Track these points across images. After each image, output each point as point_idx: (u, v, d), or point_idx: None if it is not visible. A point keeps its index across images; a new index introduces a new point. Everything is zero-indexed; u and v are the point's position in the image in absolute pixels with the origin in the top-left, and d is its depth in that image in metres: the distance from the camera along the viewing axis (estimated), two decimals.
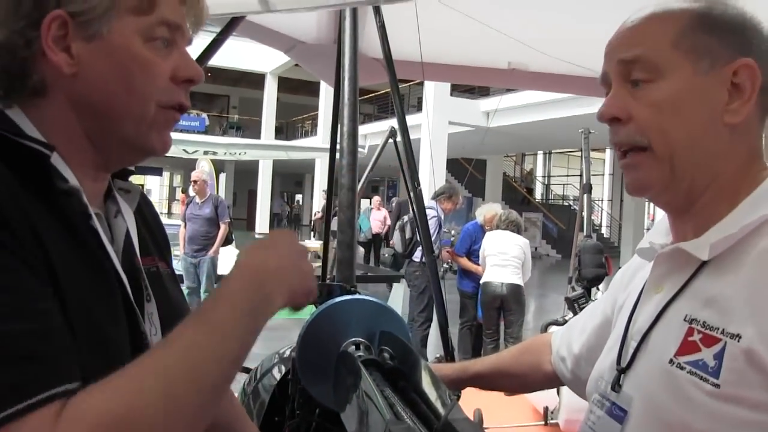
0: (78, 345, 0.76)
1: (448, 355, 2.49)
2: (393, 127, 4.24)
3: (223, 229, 8.52)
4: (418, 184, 2.53)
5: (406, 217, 8.05)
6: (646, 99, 0.97)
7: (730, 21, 0.97)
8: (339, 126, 1.95)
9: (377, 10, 2.38)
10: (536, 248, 25.72)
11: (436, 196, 7.55)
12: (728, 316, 0.88)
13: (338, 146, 1.94)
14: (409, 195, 2.75)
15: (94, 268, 0.86)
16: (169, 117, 0.96)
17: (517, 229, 6.97)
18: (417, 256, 7.26)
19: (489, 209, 7.66)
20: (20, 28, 0.86)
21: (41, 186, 0.82)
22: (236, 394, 1.93)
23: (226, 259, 11.12)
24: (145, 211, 1.14)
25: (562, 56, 2.96)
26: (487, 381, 1.57)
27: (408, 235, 7.66)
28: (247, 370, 2.22)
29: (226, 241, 8.89)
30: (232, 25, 2.33)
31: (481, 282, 6.91)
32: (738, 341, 0.86)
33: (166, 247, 1.19)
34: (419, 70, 2.70)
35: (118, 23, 0.89)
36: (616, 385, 1.03)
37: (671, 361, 0.93)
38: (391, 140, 4.43)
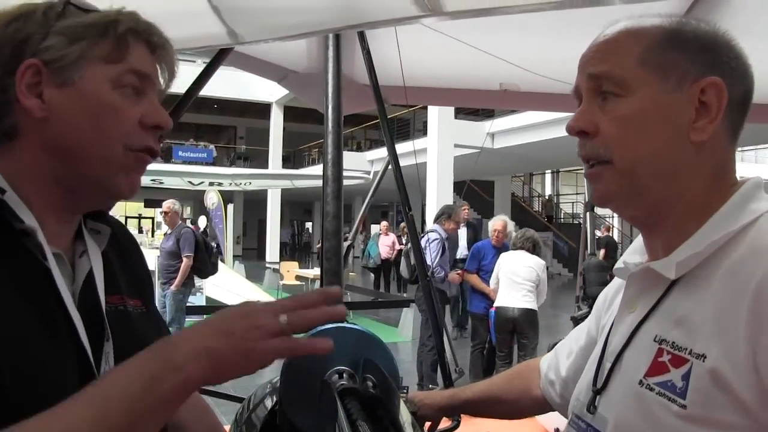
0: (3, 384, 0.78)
1: (446, 380, 2.46)
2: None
3: (184, 263, 8.10)
4: (410, 209, 2.52)
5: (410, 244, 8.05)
6: (613, 114, 0.97)
7: (701, 39, 0.97)
8: (323, 154, 1.95)
9: (362, 37, 2.39)
10: (548, 267, 25.58)
11: (437, 219, 7.53)
12: (695, 335, 0.87)
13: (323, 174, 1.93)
14: (406, 221, 2.74)
15: (40, 308, 0.88)
16: (138, 159, 1.00)
17: (533, 247, 6.79)
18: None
19: (496, 220, 7.57)
20: None
21: None
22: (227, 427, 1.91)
23: (213, 288, 11.15)
24: (124, 249, 1.16)
25: (553, 75, 2.95)
26: (478, 407, 1.55)
27: (413, 260, 7.63)
28: (240, 400, 2.20)
29: (208, 272, 8.63)
30: (220, 56, 2.34)
31: (495, 305, 6.80)
32: (703, 361, 0.85)
33: (144, 284, 1.20)
34: (412, 95, 2.71)
35: (88, 71, 0.95)
36: (592, 407, 1.02)
37: (641, 382, 0.92)
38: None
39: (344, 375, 1.40)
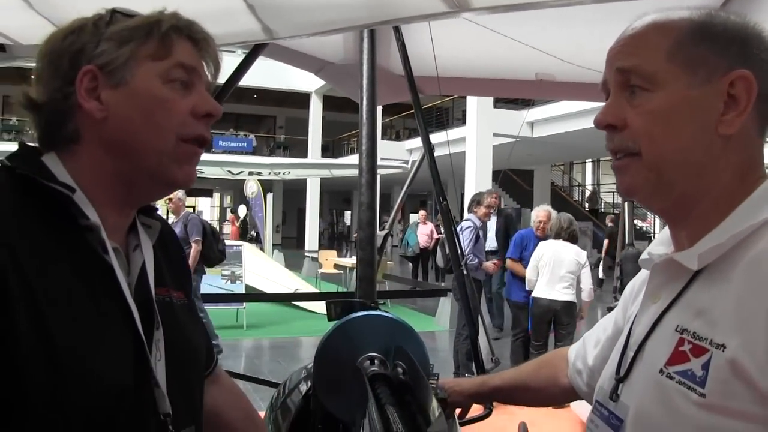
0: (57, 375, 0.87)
1: (479, 369, 2.48)
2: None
3: (194, 249, 8.01)
4: (444, 199, 2.54)
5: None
6: (641, 108, 0.98)
7: (730, 31, 0.97)
8: (358, 145, 1.98)
9: (397, 29, 2.42)
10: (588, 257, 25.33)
11: (469, 207, 7.52)
12: (716, 326, 0.89)
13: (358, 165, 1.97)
14: (440, 210, 2.76)
15: (101, 299, 0.96)
16: (189, 151, 1.07)
17: (573, 236, 6.66)
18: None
19: (539, 210, 7.43)
20: (59, 86, 1.01)
21: (66, 222, 0.96)
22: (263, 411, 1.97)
23: (253, 276, 11.19)
24: (168, 244, 1.23)
25: (588, 65, 2.94)
26: (506, 395, 1.58)
27: (448, 249, 7.62)
28: (275, 385, 2.26)
29: (215, 258, 8.53)
30: (258, 48, 2.39)
31: (533, 295, 6.73)
32: (723, 351, 0.86)
33: (185, 277, 1.28)
34: (447, 85, 2.72)
35: (139, 70, 1.03)
36: (614, 395, 1.04)
37: (661, 371, 0.94)
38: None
39: (375, 361, 1.45)
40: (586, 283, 6.58)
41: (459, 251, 2.58)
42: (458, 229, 7.18)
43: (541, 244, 6.86)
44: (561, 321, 6.59)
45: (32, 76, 1.05)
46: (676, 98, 0.96)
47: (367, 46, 2.07)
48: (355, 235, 7.63)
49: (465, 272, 2.61)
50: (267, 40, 1.76)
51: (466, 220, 7.39)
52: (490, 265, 7.65)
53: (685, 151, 0.96)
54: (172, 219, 8.24)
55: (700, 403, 0.87)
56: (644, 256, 1.13)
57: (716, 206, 0.97)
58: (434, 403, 1.12)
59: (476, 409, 1.84)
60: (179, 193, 8.45)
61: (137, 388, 0.98)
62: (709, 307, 0.91)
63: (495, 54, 2.85)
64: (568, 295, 6.53)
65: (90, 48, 1.02)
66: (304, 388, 1.91)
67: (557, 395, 1.51)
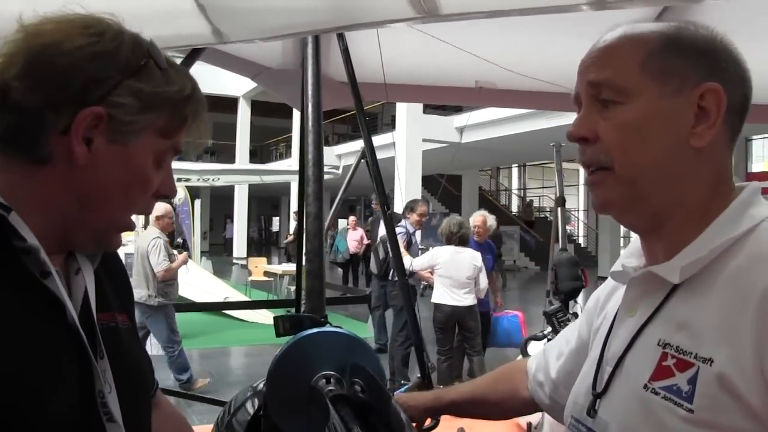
0: None
1: (425, 377, 2.45)
2: (363, 149, 4.24)
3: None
4: (389, 208, 2.51)
5: (379, 238, 8.05)
6: (614, 120, 0.96)
7: (700, 43, 0.97)
8: (303, 154, 1.92)
9: (340, 35, 2.37)
10: (515, 261, 25.83)
11: (403, 213, 7.55)
12: (700, 339, 0.87)
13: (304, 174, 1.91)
14: (384, 216, 2.72)
15: (43, 326, 0.87)
16: (128, 224, 1.00)
17: (464, 241, 6.70)
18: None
19: (475, 216, 7.54)
20: (58, 103, 0.87)
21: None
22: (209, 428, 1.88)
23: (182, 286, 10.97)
24: (109, 264, 1.14)
25: (529, 73, 2.96)
26: (463, 408, 1.55)
27: (382, 255, 7.64)
28: (220, 404, 2.17)
29: None
30: (193, 55, 2.29)
31: (433, 301, 6.76)
32: (710, 365, 0.85)
33: (129, 299, 1.20)
34: (394, 92, 2.69)
35: (143, 139, 0.93)
36: (592, 410, 1.02)
37: (646, 386, 0.92)
38: (363, 161, 4.43)
39: (332, 380, 1.39)
40: (483, 283, 6.68)
41: (372, 262, 2.53)
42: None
43: (437, 249, 6.91)
44: (467, 326, 6.66)
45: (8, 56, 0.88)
46: (649, 109, 0.95)
47: (311, 51, 2.00)
48: (285, 241, 7.57)
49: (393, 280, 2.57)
50: (215, 43, 1.68)
51: (398, 226, 7.36)
52: (426, 274, 7.63)
53: (659, 162, 0.95)
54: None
55: (687, 418, 0.85)
56: (616, 268, 1.11)
57: (691, 219, 0.96)
58: (404, 419, 1.07)
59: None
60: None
61: (85, 424, 0.90)
62: (691, 320, 0.90)
63: (438, 61, 2.84)
64: (469, 300, 6.60)
65: (109, 85, 0.89)
66: (251, 407, 1.84)
67: (518, 408, 1.49)
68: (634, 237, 1.10)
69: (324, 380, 1.38)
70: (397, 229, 7.16)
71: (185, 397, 3.13)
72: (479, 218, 7.38)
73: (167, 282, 6.86)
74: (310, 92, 1.96)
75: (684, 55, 0.95)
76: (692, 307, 0.91)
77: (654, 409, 0.89)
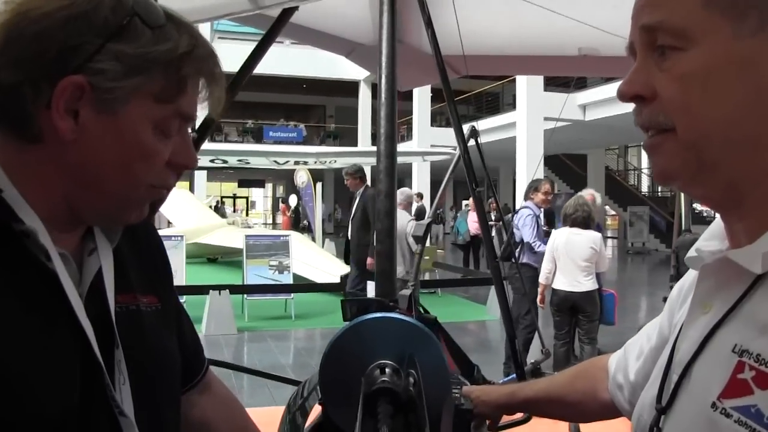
0: None
1: (518, 368, 2.30)
2: (473, 127, 4.09)
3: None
4: (477, 186, 2.35)
5: (500, 222, 7.89)
6: (673, 71, 0.76)
7: None
8: (377, 128, 1.82)
9: (422, 4, 2.23)
10: (644, 243, 24.78)
11: (526, 195, 7.30)
12: None
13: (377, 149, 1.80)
14: (473, 198, 2.58)
15: (45, 320, 0.81)
16: (153, 194, 0.92)
17: (586, 221, 6.32)
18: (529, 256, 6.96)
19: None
20: (35, 77, 0.80)
21: None
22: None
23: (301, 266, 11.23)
24: (139, 240, 1.07)
25: None
26: (538, 407, 1.40)
27: (505, 237, 7.43)
28: (296, 383, 2.12)
29: None
30: (271, 34, 2.23)
31: (553, 286, 6.50)
32: None
33: (162, 278, 1.12)
34: (477, 65, 2.54)
35: (134, 105, 0.84)
36: (655, 428, 0.84)
37: (714, 405, 0.73)
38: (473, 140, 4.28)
39: (387, 370, 1.29)
40: (602, 267, 6.38)
41: (495, 243, 2.39)
42: (516, 218, 7.10)
43: (554, 232, 6.64)
44: (582, 311, 6.38)
45: None
46: (718, 54, 0.74)
47: (386, 19, 1.89)
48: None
49: (517, 262, 2.41)
50: (252, 9, 1.60)
51: (524, 207, 7.11)
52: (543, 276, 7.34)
53: (734, 122, 0.74)
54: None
55: None
56: (691, 253, 0.90)
57: None
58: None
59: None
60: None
61: (88, 415, 0.83)
62: None
63: (531, 28, 2.65)
64: (586, 285, 6.29)
65: (88, 51, 0.80)
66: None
67: (596, 411, 1.30)
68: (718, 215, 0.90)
69: (378, 370, 1.28)
70: (524, 211, 7.03)
71: (265, 376, 3.12)
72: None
73: None
74: (383, 62, 1.85)
75: None
76: None
77: None
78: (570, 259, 6.31)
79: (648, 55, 0.80)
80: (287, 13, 2.24)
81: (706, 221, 25.51)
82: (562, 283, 6.39)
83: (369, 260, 7.73)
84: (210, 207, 21.59)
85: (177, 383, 1.07)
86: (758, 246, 0.75)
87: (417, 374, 1.21)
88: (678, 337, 0.88)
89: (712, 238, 0.91)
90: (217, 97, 0.93)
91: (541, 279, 6.56)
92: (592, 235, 6.35)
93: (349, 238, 8.23)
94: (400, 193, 8.18)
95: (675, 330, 0.95)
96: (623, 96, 0.82)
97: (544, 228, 7.39)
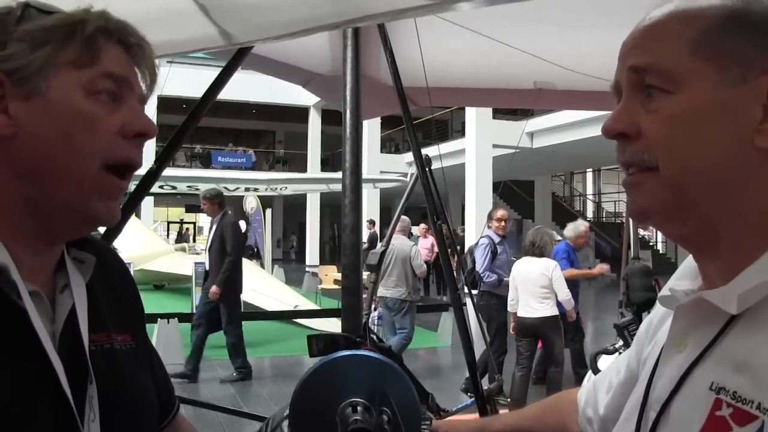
0: None
1: (478, 397, 2.31)
2: (427, 155, 4.12)
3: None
4: (438, 219, 2.37)
5: (467, 250, 8.05)
6: (659, 113, 0.79)
7: None
8: (342, 161, 1.81)
9: (384, 36, 2.25)
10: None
11: (486, 224, 7.56)
12: (765, 385, 0.70)
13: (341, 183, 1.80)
14: (434, 230, 2.59)
15: (14, 359, 0.80)
16: (113, 184, 0.90)
17: (539, 251, 6.62)
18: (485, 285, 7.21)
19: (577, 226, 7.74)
20: None
21: None
22: None
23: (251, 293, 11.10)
24: (111, 277, 1.05)
25: (591, 72, 2.79)
26: None
27: (469, 266, 7.53)
28: (260, 419, 2.08)
29: None
30: (236, 59, 2.22)
31: (517, 314, 6.69)
32: None
33: (135, 316, 1.09)
34: (439, 96, 2.56)
35: (57, 78, 0.84)
36: None
37: None
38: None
39: (359, 408, 1.28)
40: (561, 293, 6.49)
41: (453, 272, 2.40)
42: (475, 246, 7.38)
43: (515, 263, 6.87)
44: (544, 335, 6.56)
45: None
46: (703, 100, 0.77)
47: (350, 53, 1.90)
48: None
49: (469, 291, 2.43)
50: (226, 46, 1.59)
51: (483, 237, 7.37)
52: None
53: (713, 165, 0.77)
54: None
55: None
56: (664, 292, 0.93)
57: (753, 234, 0.78)
58: None
59: None
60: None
61: None
62: (753, 361, 0.72)
63: (490, 62, 2.69)
64: (542, 311, 6.47)
65: None
66: (286, 428, 1.75)
67: None
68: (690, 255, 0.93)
69: (350, 408, 1.27)
70: (482, 240, 7.30)
71: (229, 412, 3.07)
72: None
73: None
74: (348, 97, 1.86)
75: (749, 34, 0.77)
76: (755, 343, 0.73)
77: None
78: (525, 287, 6.53)
79: (634, 95, 0.83)
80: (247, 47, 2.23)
81: (650, 246, 26.13)
82: (522, 310, 6.60)
83: (213, 288, 7.51)
84: (178, 233, 21.13)
85: (153, 422, 1.05)
86: (733, 287, 0.77)
87: (393, 411, 1.21)
88: (654, 373, 0.89)
89: (683, 278, 0.93)
90: (148, 62, 0.94)
91: (509, 307, 6.79)
92: (546, 263, 6.55)
93: (207, 268, 7.77)
94: (401, 221, 8.43)
95: (644, 365, 0.98)
96: (608, 132, 0.84)
97: (513, 259, 7.54)
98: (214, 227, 7.75)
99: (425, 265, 7.68)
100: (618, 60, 0.86)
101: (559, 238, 7.69)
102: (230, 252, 7.56)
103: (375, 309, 7.96)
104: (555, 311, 6.50)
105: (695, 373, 0.79)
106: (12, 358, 0.79)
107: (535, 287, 6.47)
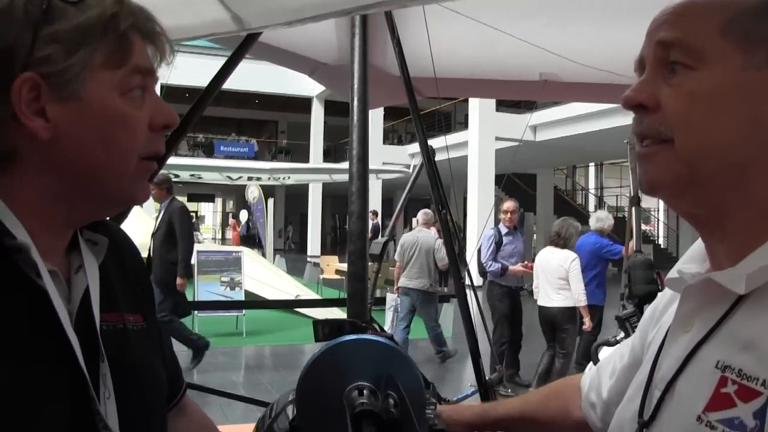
0: None
1: (481, 387, 2.33)
2: (431, 147, 4.14)
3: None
4: (443, 207, 2.38)
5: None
6: (681, 88, 0.81)
7: None
8: (349, 149, 1.83)
9: (392, 26, 2.26)
10: None
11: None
12: None
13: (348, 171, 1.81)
14: (440, 219, 2.61)
15: (34, 331, 0.81)
16: (147, 167, 0.92)
17: (564, 243, 6.72)
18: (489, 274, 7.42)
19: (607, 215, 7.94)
20: None
21: None
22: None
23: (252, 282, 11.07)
24: (123, 259, 1.07)
25: (596, 65, 2.80)
26: (511, 426, 1.41)
27: (481, 257, 7.62)
28: (264, 404, 2.10)
29: None
30: (242, 48, 2.23)
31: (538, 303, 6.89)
32: None
33: (145, 297, 1.11)
34: (446, 87, 2.57)
35: (93, 81, 0.84)
36: None
37: (699, 418, 0.76)
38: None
39: (365, 392, 1.29)
40: (574, 288, 6.57)
41: (458, 262, 2.42)
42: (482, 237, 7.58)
43: (539, 252, 7.07)
44: (559, 325, 6.71)
45: None
46: (726, 80, 0.79)
47: (358, 41, 1.91)
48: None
49: (472, 282, 2.45)
50: (237, 31, 1.60)
51: (492, 228, 7.60)
52: (518, 268, 7.48)
53: (728, 145, 0.79)
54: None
55: None
56: (672, 274, 0.95)
57: (761, 217, 0.80)
58: None
59: None
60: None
61: (72, 429, 0.83)
62: (759, 339, 0.74)
63: (496, 53, 2.70)
64: (557, 301, 6.64)
65: (23, 47, 0.79)
66: (291, 413, 1.77)
67: (569, 430, 1.32)
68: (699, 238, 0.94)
69: (357, 391, 1.29)
70: (487, 232, 7.51)
71: (233, 397, 3.09)
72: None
73: None
74: (355, 85, 1.87)
75: None
76: (762, 323, 0.75)
77: None
78: (545, 277, 6.72)
79: (658, 69, 0.85)
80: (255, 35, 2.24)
81: (651, 241, 26.14)
82: (541, 299, 6.81)
83: (179, 280, 7.23)
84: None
85: (164, 402, 1.07)
86: (742, 267, 0.79)
87: (401, 395, 1.22)
88: (659, 354, 0.91)
89: (691, 261, 0.95)
90: (167, 50, 0.94)
91: (534, 294, 7.03)
92: (565, 254, 6.68)
93: (150, 254, 7.22)
94: (424, 214, 8.86)
95: (649, 349, 1.00)
96: (628, 102, 0.86)
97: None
98: (162, 212, 7.46)
99: (447, 258, 7.54)
100: (645, 36, 0.87)
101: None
102: (183, 237, 7.31)
103: (396, 296, 8.39)
104: (571, 303, 6.61)
105: (701, 353, 0.81)
106: (32, 335, 0.81)
107: (553, 278, 6.63)
